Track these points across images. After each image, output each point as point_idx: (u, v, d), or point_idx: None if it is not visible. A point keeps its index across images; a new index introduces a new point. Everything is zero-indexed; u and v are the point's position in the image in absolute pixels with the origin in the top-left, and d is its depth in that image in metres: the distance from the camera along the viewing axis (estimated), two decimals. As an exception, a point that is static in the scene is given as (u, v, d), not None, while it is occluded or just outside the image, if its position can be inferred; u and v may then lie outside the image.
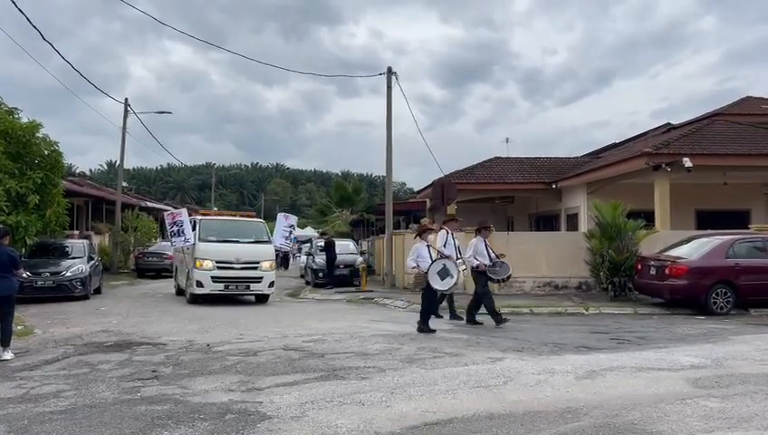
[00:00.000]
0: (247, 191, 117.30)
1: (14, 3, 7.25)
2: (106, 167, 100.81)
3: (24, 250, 16.48)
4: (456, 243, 12.69)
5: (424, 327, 10.66)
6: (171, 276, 27.22)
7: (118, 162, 34.25)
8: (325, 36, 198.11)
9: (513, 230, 26.82)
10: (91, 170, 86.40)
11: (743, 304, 13.69)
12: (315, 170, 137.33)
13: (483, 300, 11.71)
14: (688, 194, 19.32)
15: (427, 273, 10.69)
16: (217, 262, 15.36)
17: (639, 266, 15.03)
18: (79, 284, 16.46)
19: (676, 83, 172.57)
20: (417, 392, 6.15)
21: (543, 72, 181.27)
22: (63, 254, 17.59)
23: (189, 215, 17.51)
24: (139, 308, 14.86)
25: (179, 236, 15.99)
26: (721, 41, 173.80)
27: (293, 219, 18.71)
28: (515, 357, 8.21)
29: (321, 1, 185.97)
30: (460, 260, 12.11)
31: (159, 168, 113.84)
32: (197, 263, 15.34)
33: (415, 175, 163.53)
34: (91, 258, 17.99)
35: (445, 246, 12.21)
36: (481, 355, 8.29)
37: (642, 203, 17.72)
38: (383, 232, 24.66)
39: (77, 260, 17.10)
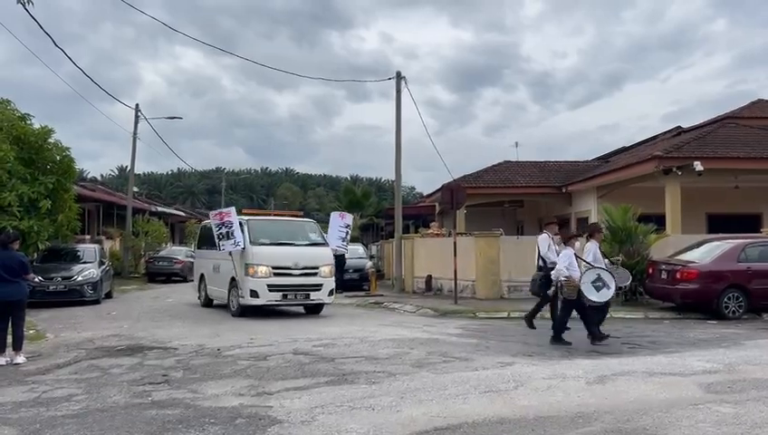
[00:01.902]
0: (257, 196, 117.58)
1: (26, 9, 7.33)
2: (117, 172, 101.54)
3: (36, 255, 16.60)
4: (558, 248, 11.76)
5: (557, 341, 9.79)
6: (181, 281, 27.52)
7: (129, 167, 34.49)
8: (336, 41, 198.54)
9: (523, 235, 26.74)
10: (102, 175, 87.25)
11: (755, 309, 13.57)
12: (325, 175, 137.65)
13: (588, 312, 10.07)
14: (699, 197, 19.21)
15: (579, 283, 9.63)
16: (274, 268, 13.47)
17: (650, 270, 14.94)
18: (90, 288, 16.56)
19: (686, 87, 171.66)
20: (426, 397, 6.14)
21: (554, 75, 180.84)
22: (75, 258, 17.71)
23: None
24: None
25: (229, 238, 13.65)
26: (732, 44, 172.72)
27: (349, 218, 16.53)
28: (526, 362, 8.18)
29: (332, 6, 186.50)
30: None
31: (170, 172, 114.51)
32: (250, 269, 13.34)
33: (424, 179, 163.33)
34: (102, 263, 18.10)
35: (548, 250, 11.45)
36: (491, 360, 8.27)
37: (653, 207, 17.63)
38: (392, 236, 24.67)
39: (88, 265, 17.20)
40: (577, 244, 10.65)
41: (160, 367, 7.97)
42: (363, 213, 43.60)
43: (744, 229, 17.05)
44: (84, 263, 17.34)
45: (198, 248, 17.72)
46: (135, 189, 36.23)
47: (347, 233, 15.82)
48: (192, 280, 28.09)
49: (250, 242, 13.61)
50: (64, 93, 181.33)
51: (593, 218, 21.83)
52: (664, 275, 14.23)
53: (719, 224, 19.47)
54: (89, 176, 55.64)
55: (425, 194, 41.51)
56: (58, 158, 17.27)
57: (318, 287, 13.87)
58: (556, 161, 28.07)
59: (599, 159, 30.30)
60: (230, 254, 13.82)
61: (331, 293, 14.19)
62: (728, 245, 14.04)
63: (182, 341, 10.16)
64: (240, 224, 13.99)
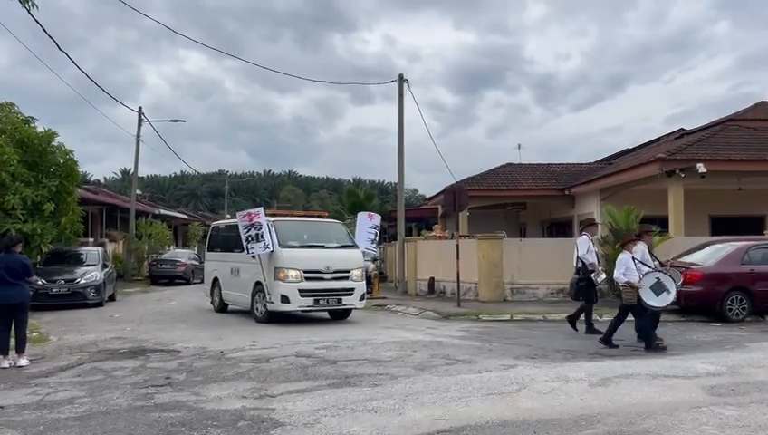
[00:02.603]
0: (260, 199, 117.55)
1: (30, 13, 7.35)
2: (120, 175, 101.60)
3: (39, 258, 16.63)
4: (596, 249, 11.70)
5: (651, 346, 9.50)
6: (184, 283, 27.57)
7: (132, 170, 34.54)
8: (339, 43, 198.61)
9: (525, 237, 26.74)
10: (105, 178, 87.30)
11: (758, 311, 13.54)
12: (327, 177, 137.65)
13: (643, 317, 9.80)
14: (702, 200, 19.17)
15: (638, 288, 9.39)
16: (305, 272, 12.82)
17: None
18: (93, 291, 16.59)
19: (689, 89, 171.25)
20: (429, 400, 6.14)
21: (557, 77, 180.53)
22: (78, 261, 17.76)
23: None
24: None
25: (258, 241, 12.80)
26: (735, 45, 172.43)
27: (378, 219, 15.57)
28: (529, 364, 8.17)
29: (335, 8, 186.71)
30: (601, 268, 11.59)
31: (173, 175, 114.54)
32: (281, 273, 12.65)
33: (427, 181, 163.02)
34: (105, 266, 18.15)
35: (587, 252, 11.40)
36: (494, 362, 8.26)
37: (656, 209, 17.61)
38: (395, 239, 24.67)
39: (91, 267, 17.25)
40: (635, 247, 10.16)
41: (163, 370, 7.98)
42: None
43: (747, 231, 17.02)
44: (87, 266, 17.38)
45: (210, 251, 16.80)
46: (138, 192, 36.31)
47: (376, 234, 15.15)
48: (196, 283, 28.38)
49: (279, 245, 12.93)
50: (68, 96, 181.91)
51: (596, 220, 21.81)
52: (667, 278, 14.18)
53: (722, 226, 19.42)
54: (92, 179, 55.74)
55: (427, 196, 41.48)
56: (61, 161, 17.33)
57: (350, 292, 13.30)
58: (559, 163, 28.04)
59: (602, 161, 30.28)
60: (253, 257, 13.18)
61: (362, 297, 13.64)
62: (731, 247, 14.01)
63: (185, 343, 10.18)
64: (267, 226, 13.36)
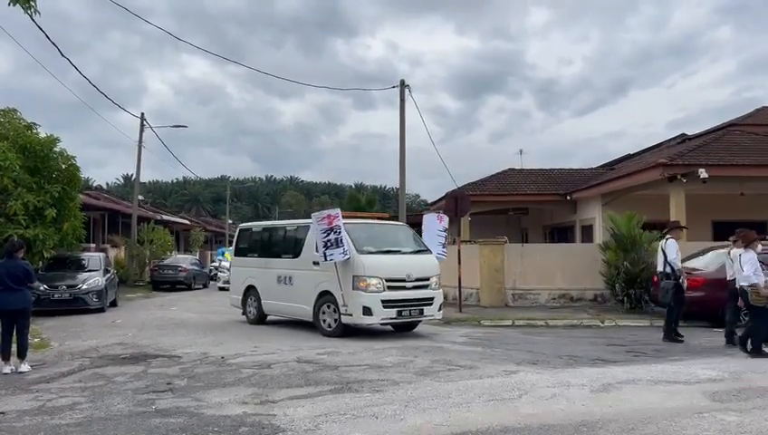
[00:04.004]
0: (262, 204, 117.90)
1: (32, 19, 7.38)
2: (122, 180, 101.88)
3: (41, 263, 16.65)
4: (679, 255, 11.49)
5: (758, 354, 9.16)
6: (185, 289, 27.56)
7: (134, 176, 34.59)
8: (342, 48, 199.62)
9: (527, 242, 26.71)
10: (107, 184, 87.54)
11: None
12: (329, 183, 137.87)
13: (760, 322, 9.34)
14: (704, 205, 19.14)
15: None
16: (387, 280, 11.56)
17: (655, 278, 14.87)
18: (95, 296, 16.60)
19: (692, 93, 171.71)
20: (430, 405, 6.13)
21: (559, 82, 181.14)
22: (80, 267, 17.78)
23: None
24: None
25: (337, 246, 11.43)
26: (738, 50, 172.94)
27: (446, 220, 14.16)
28: (530, 370, 8.16)
29: (338, 14, 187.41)
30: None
31: (175, 181, 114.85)
32: (361, 282, 11.38)
33: (429, 187, 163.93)
34: (106, 271, 18.17)
35: (676, 257, 11.25)
36: (495, 368, 8.25)
37: (658, 214, 17.58)
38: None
39: (93, 273, 17.27)
40: (759, 247, 9.81)
41: (164, 375, 7.98)
42: (368, 221, 43.51)
43: (749, 237, 16.95)
44: (89, 271, 17.41)
45: (241, 256, 15.10)
46: (140, 198, 36.39)
47: (446, 238, 13.96)
48: (197, 288, 28.44)
49: (356, 250, 11.67)
50: (71, 102, 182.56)
51: (598, 226, 21.82)
52: (669, 283, 14.16)
53: (724, 231, 19.36)
54: (94, 184, 55.87)
55: (429, 202, 41.50)
56: (63, 166, 17.35)
57: (430, 301, 12.05)
58: (561, 169, 28.03)
59: (604, 166, 30.28)
60: (315, 263, 12.13)
61: (440, 308, 12.41)
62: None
63: (186, 349, 10.17)
64: None
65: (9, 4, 6.88)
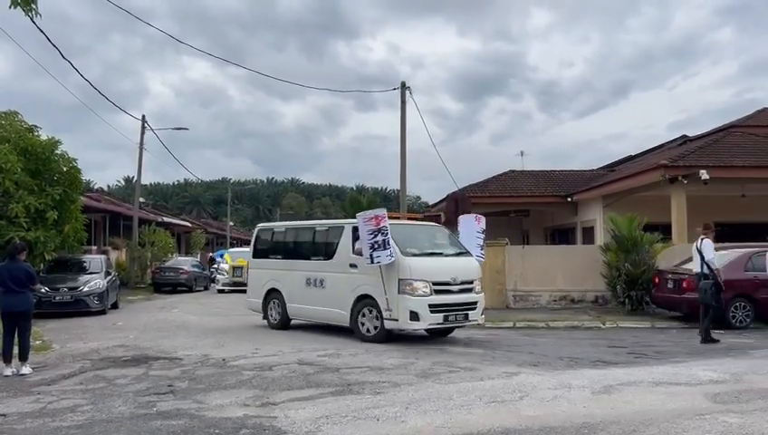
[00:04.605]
0: (263, 206, 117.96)
1: (33, 22, 7.39)
2: (123, 182, 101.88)
3: (42, 266, 16.66)
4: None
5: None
6: (187, 291, 27.55)
7: (135, 178, 34.59)
8: (343, 50, 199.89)
9: (528, 244, 26.70)
10: (108, 186, 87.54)
11: (762, 318, 13.49)
12: (330, 185, 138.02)
13: None
14: (705, 206, 19.08)
15: None
16: (434, 284, 11.03)
17: (657, 280, 14.89)
18: (96, 299, 16.60)
19: (693, 95, 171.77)
20: (431, 407, 6.13)
21: (560, 84, 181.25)
22: (81, 269, 17.77)
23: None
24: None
25: (384, 248, 10.85)
26: (739, 52, 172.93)
27: (484, 221, 13.57)
28: (531, 372, 8.15)
29: (340, 16, 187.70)
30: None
31: (176, 183, 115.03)
32: (407, 286, 10.82)
33: (430, 188, 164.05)
34: (108, 273, 18.16)
35: (714, 256, 11.30)
36: (496, 370, 8.25)
37: (659, 216, 17.58)
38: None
39: (94, 275, 17.26)
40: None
41: (166, 377, 7.98)
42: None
43: (750, 238, 16.95)
44: (90, 273, 17.39)
45: (260, 257, 14.37)
46: (141, 200, 36.40)
47: (483, 239, 13.48)
48: (198, 290, 28.42)
49: (401, 252, 11.12)
50: (72, 104, 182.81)
51: (599, 227, 21.81)
52: (670, 285, 14.19)
53: (726, 233, 19.37)
54: (95, 186, 55.83)
55: (430, 203, 41.51)
56: (65, 169, 17.36)
57: (474, 306, 11.53)
58: (562, 170, 28.04)
59: (604, 167, 30.27)
60: (353, 266, 11.65)
61: (482, 312, 11.93)
62: (735, 254, 13.97)
63: (187, 351, 10.17)
64: None
65: (10, 7, 6.89)
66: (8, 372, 8.40)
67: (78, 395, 7.02)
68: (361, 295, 11.52)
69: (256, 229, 15.33)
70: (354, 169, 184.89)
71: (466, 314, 11.41)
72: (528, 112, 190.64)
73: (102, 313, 16.73)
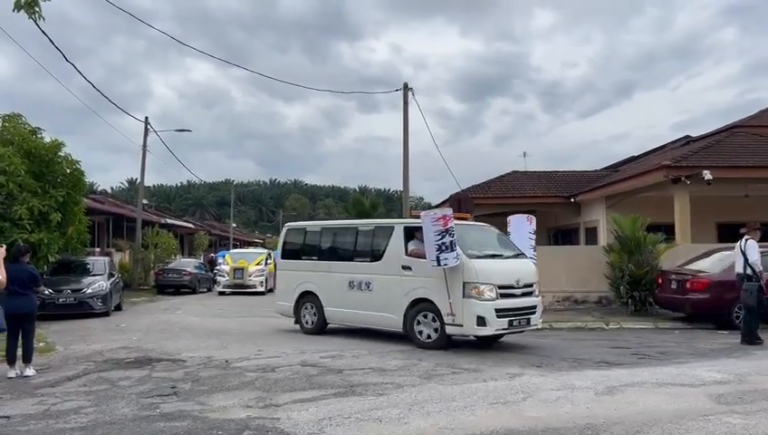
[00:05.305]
0: (266, 207, 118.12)
1: (36, 24, 7.42)
2: (127, 184, 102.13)
3: (46, 268, 16.70)
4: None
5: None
6: (190, 292, 27.55)
7: (138, 180, 34.69)
8: (346, 51, 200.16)
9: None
10: (112, 188, 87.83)
11: (766, 319, 13.43)
12: (333, 186, 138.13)
13: None
14: (709, 207, 19.10)
15: None
16: (500, 287, 10.40)
17: (660, 280, 14.86)
18: (99, 300, 16.62)
19: (696, 95, 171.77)
20: (434, 409, 6.13)
21: (563, 85, 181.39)
22: (84, 271, 17.80)
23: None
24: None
25: (451, 250, 10.19)
26: (742, 52, 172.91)
27: (534, 222, 13.16)
28: (534, 373, 8.15)
29: (343, 18, 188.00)
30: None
31: (179, 184, 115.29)
32: (473, 290, 10.19)
33: (433, 189, 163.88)
34: (111, 275, 18.18)
35: (758, 258, 11.01)
36: (500, 371, 8.24)
37: (662, 216, 17.55)
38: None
39: (98, 277, 17.28)
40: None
41: (169, 379, 7.99)
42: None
43: (754, 238, 16.90)
44: (94, 275, 17.42)
45: (289, 258, 13.71)
46: (144, 202, 36.46)
47: (534, 241, 12.97)
48: (201, 291, 28.42)
49: (465, 254, 10.50)
50: (75, 107, 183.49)
51: (602, 228, 21.79)
52: (674, 286, 14.15)
53: (729, 233, 19.31)
54: (99, 188, 55.98)
55: (433, 204, 41.49)
56: (68, 171, 17.40)
57: (534, 310, 10.95)
58: (565, 171, 27.99)
59: (607, 168, 30.21)
60: (406, 268, 11.10)
61: (540, 316, 11.35)
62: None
63: (190, 353, 10.18)
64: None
65: (14, 10, 6.91)
66: (12, 373, 8.42)
67: (81, 397, 7.04)
68: (417, 299, 10.91)
69: (285, 229, 14.49)
70: (357, 171, 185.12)
71: (528, 319, 10.84)
72: (531, 113, 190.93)
73: (106, 314, 16.75)
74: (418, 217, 11.76)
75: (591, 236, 23.48)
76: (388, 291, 11.34)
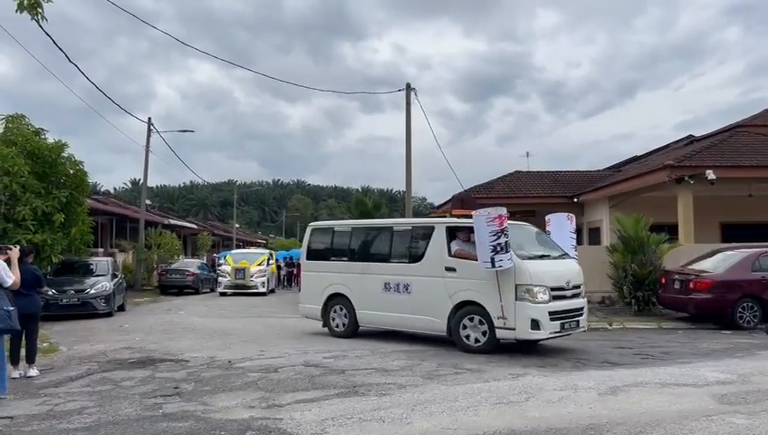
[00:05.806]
0: (269, 208, 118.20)
1: (39, 25, 7.43)
2: (130, 185, 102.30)
3: (49, 268, 16.73)
4: None
5: None
6: (193, 293, 27.58)
7: (141, 180, 34.70)
8: (349, 52, 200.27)
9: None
10: (115, 189, 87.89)
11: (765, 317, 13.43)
12: (336, 186, 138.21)
13: None
14: (712, 207, 19.07)
15: None
16: (552, 289, 10.04)
17: (663, 280, 14.84)
18: (103, 301, 16.65)
19: (699, 95, 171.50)
20: (437, 409, 6.12)
21: (566, 85, 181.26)
22: (88, 271, 17.82)
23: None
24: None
25: (506, 251, 9.76)
26: (745, 51, 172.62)
27: (574, 220, 12.52)
28: (537, 373, 8.14)
29: (345, 18, 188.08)
30: None
31: (182, 185, 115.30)
32: (527, 292, 9.81)
33: (436, 190, 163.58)
34: (114, 276, 18.21)
35: None
36: (502, 371, 8.24)
37: (665, 216, 17.52)
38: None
39: (101, 278, 17.31)
40: None
41: (172, 379, 8.00)
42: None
43: (757, 238, 16.86)
44: (97, 276, 17.45)
45: (315, 259, 13.10)
46: (148, 202, 36.47)
47: (575, 241, 12.36)
48: (204, 292, 28.45)
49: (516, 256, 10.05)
50: (78, 108, 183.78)
51: (605, 228, 21.75)
52: (677, 286, 14.13)
53: (732, 233, 19.31)
54: (102, 189, 56.08)
55: (436, 205, 41.48)
56: (71, 172, 17.42)
57: (582, 312, 10.62)
58: (568, 171, 27.97)
59: (610, 168, 30.18)
60: (450, 270, 10.62)
61: (586, 317, 10.99)
62: (742, 254, 13.93)
63: (193, 353, 10.20)
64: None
65: (16, 11, 6.92)
66: (16, 374, 8.42)
67: (85, 397, 7.05)
68: (463, 302, 10.44)
69: (309, 229, 13.76)
70: (360, 171, 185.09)
71: (578, 322, 10.50)
72: (534, 113, 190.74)
73: (109, 315, 16.78)
74: (460, 216, 11.40)
75: (594, 237, 23.45)
76: (430, 293, 10.88)
